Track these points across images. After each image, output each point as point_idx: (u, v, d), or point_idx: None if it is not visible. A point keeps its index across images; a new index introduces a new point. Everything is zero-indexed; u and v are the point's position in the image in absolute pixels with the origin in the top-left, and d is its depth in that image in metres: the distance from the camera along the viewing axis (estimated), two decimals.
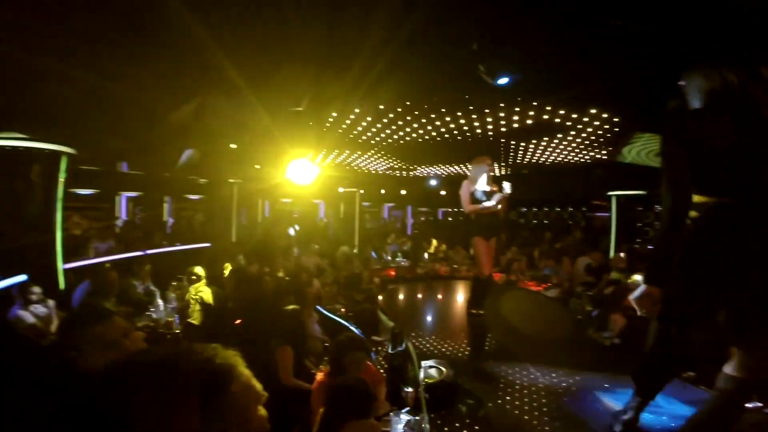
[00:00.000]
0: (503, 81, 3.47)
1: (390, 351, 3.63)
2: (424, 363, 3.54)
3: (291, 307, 3.69)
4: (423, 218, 18.15)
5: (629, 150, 6.75)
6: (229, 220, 8.27)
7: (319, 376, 2.61)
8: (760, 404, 2.89)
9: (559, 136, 6.92)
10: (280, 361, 2.92)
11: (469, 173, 4.90)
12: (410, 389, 2.92)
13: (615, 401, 2.90)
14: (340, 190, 10.85)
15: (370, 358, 3.42)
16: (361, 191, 11.06)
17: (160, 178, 8.39)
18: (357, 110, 5.67)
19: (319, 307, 4.69)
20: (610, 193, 9.74)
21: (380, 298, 6.59)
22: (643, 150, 6.60)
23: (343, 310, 5.35)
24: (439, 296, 7.24)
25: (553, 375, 3.45)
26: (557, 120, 5.84)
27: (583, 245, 9.44)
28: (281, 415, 2.42)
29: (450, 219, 17.83)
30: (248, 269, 5.97)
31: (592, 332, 5.23)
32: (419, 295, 7.33)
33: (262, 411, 0.83)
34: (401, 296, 7.16)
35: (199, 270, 4.88)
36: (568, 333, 4.98)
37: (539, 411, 2.90)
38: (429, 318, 5.85)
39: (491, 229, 4.73)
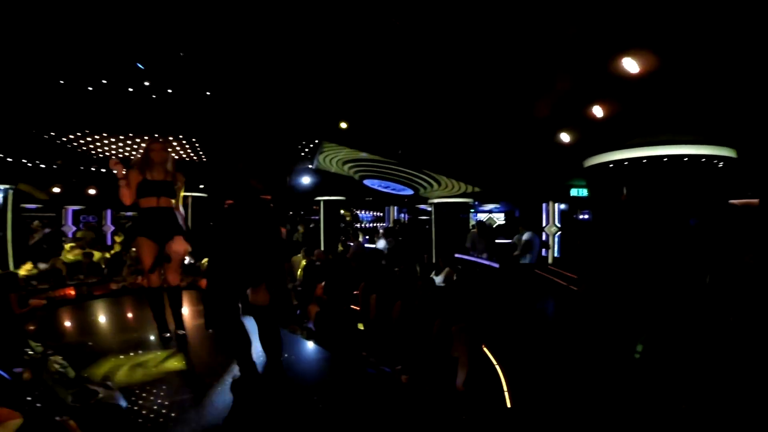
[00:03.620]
0: None
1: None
2: (80, 387, 2.94)
3: None
4: (128, 224, 15.31)
5: (323, 158, 7.84)
6: None
7: None
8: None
9: None
10: None
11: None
12: (65, 416, 2.47)
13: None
14: None
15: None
16: (13, 188, 8.08)
17: None
18: None
19: None
20: (319, 198, 11.10)
21: (69, 324, 5.36)
22: (333, 159, 7.81)
23: None
24: (128, 313, 6.15)
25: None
26: None
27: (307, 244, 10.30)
28: None
29: None
30: None
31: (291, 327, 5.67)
32: (103, 315, 6.02)
33: None
34: (80, 318, 5.73)
35: None
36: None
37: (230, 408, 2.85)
38: (104, 338, 4.85)
39: (163, 227, 3.78)
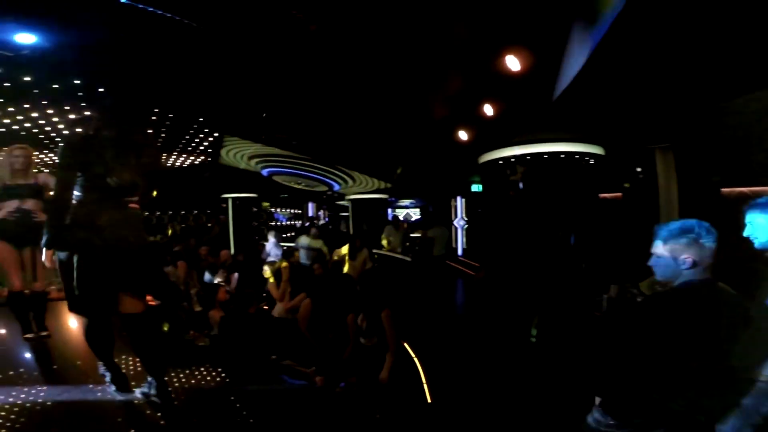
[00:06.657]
0: None
1: None
2: None
3: None
4: None
5: (226, 152, 7.34)
6: None
7: None
8: None
9: None
10: None
11: None
12: None
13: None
14: None
15: None
16: None
17: None
18: None
19: None
20: (226, 195, 10.40)
21: None
22: (237, 153, 7.35)
23: None
24: None
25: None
26: None
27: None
28: None
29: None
30: None
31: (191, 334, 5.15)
32: None
33: None
34: None
35: None
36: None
37: None
38: None
39: (24, 233, 3.82)
